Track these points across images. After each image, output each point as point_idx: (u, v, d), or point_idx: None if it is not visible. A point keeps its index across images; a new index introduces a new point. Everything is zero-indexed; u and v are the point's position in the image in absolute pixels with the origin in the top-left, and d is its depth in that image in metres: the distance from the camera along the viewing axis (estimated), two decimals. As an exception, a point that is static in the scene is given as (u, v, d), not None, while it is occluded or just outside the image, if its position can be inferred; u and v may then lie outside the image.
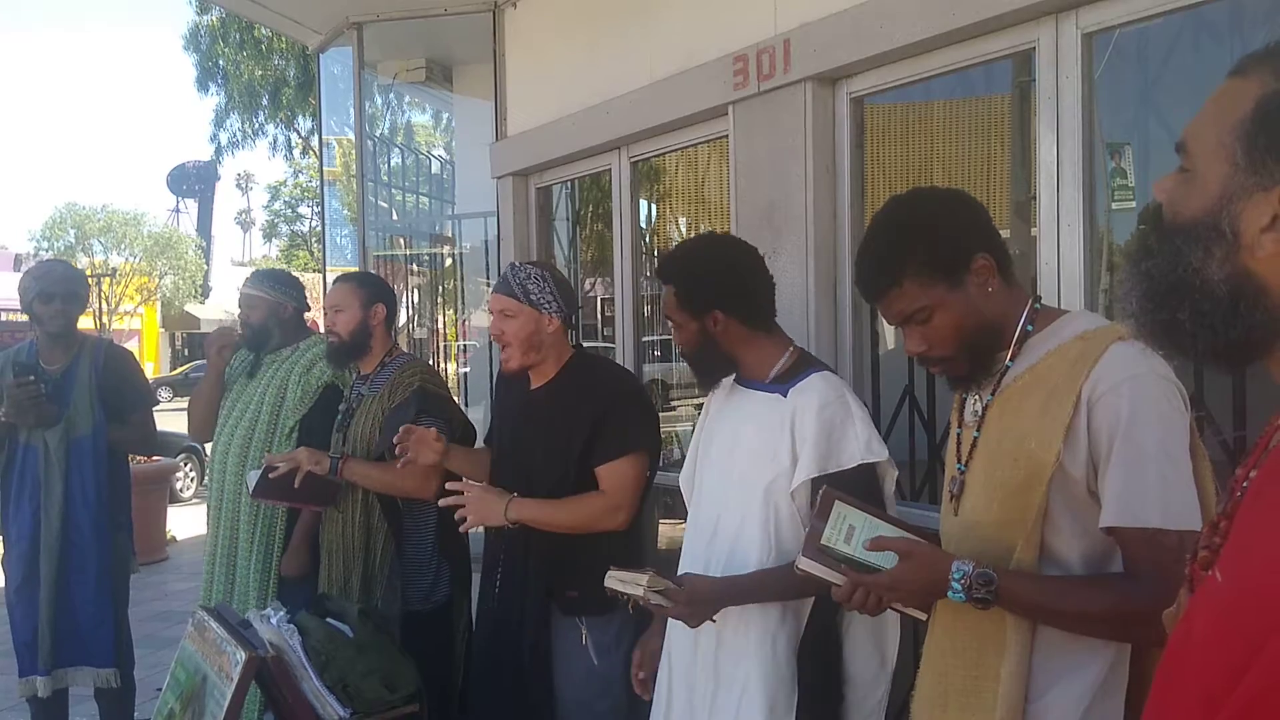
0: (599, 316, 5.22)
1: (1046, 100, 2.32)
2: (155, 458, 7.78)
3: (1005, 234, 3.17)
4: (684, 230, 5.08)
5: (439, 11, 4.51)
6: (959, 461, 1.58)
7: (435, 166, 6.49)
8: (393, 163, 6.01)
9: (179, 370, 33.32)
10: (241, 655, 2.27)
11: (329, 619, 2.66)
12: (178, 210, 40.67)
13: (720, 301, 2.09)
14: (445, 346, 6.21)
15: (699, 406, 2.42)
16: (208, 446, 3.63)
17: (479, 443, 3.10)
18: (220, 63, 21.41)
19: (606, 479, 2.46)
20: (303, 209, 36.86)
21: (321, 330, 3.31)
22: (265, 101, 21.30)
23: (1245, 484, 0.85)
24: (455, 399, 3.66)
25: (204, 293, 34.32)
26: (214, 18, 20.73)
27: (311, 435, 3.18)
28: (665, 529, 4.06)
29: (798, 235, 2.86)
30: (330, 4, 4.81)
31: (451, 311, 6.16)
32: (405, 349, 5.03)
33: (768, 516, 2.00)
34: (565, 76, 3.93)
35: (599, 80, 3.68)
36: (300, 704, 2.38)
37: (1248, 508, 0.83)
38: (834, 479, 1.92)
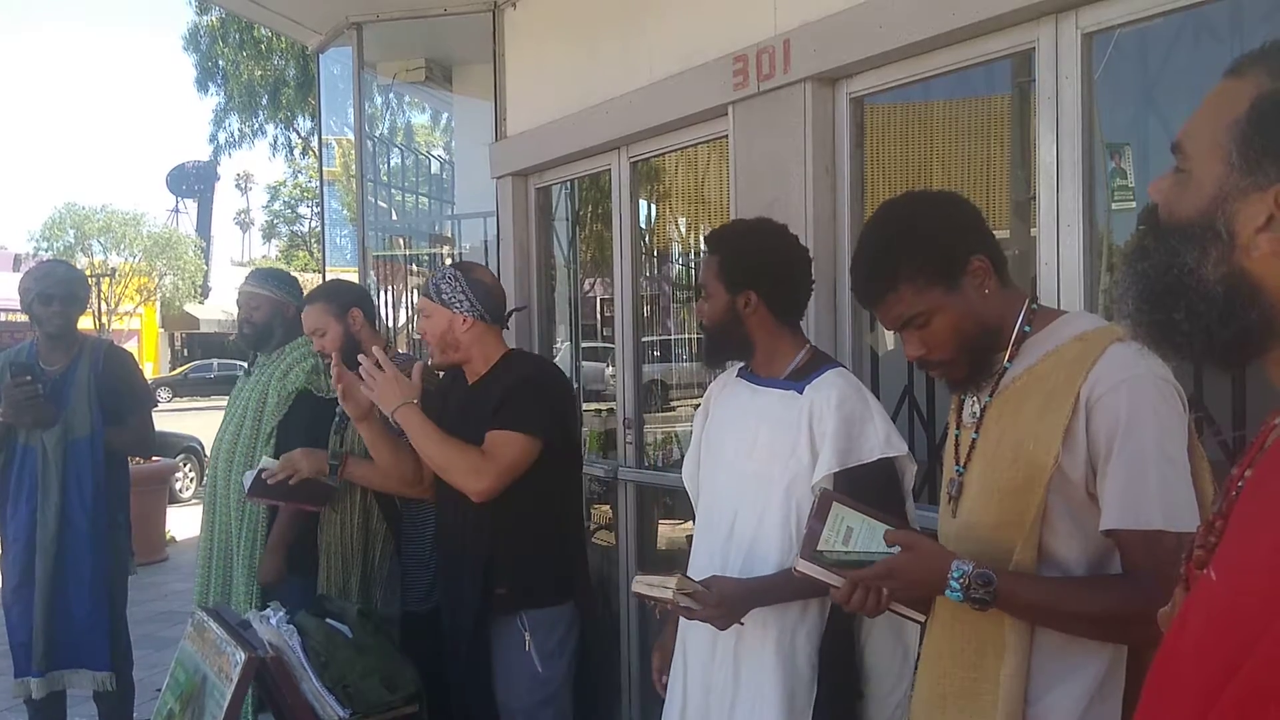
0: (599, 316, 5.22)
1: (1046, 100, 2.32)
2: (154, 458, 7.78)
3: (1005, 234, 3.20)
4: (684, 230, 5.08)
5: (439, 11, 4.51)
6: (957, 463, 1.58)
7: (435, 166, 6.49)
8: (392, 163, 6.00)
9: (178, 370, 33.35)
10: (241, 656, 2.26)
11: (328, 620, 2.66)
12: (177, 210, 40.70)
13: (759, 283, 2.09)
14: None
15: (698, 407, 2.41)
16: (209, 447, 3.62)
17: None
18: (220, 63, 21.43)
19: (489, 441, 2.45)
20: (302, 209, 36.91)
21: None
22: (265, 101, 21.32)
23: (1240, 483, 0.85)
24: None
25: (203, 293, 34.32)
26: (214, 18, 20.75)
27: (286, 441, 3.15)
28: (665, 529, 4.06)
29: (795, 233, 2.85)
30: (330, 4, 4.81)
31: (451, 312, 6.14)
32: (404, 349, 5.01)
33: (788, 514, 1.99)
34: (565, 76, 3.93)
35: (599, 80, 3.68)
36: (300, 704, 2.38)
37: (1243, 507, 0.83)
38: (854, 473, 1.93)
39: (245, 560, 3.26)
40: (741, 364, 2.23)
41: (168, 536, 8.29)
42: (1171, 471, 1.37)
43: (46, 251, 27.75)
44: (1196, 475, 1.40)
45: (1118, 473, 1.38)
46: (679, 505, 2.36)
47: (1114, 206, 2.58)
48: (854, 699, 2.04)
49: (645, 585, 1.97)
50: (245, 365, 3.60)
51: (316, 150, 7.74)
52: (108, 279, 26.29)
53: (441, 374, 2.78)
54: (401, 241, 6.01)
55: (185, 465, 10.58)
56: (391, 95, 6.69)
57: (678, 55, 3.31)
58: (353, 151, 5.46)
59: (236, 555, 3.28)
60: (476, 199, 4.93)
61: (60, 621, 3.52)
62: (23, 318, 4.25)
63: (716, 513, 2.15)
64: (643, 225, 4.09)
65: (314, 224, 32.70)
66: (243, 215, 53.08)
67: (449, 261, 5.93)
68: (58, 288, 3.58)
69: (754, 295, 2.08)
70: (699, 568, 2.10)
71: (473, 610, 2.50)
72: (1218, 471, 1.45)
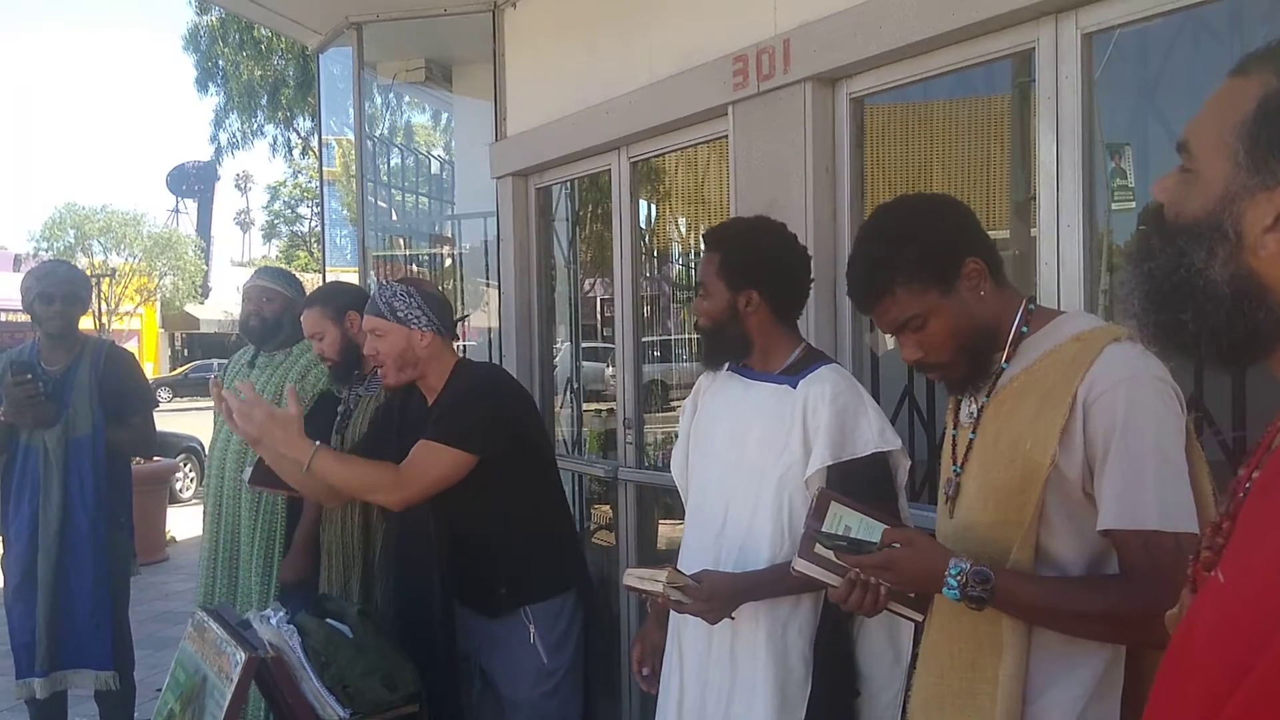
0: (599, 317, 5.22)
1: (1046, 100, 2.32)
2: (155, 458, 7.78)
3: (1005, 234, 3.20)
4: (684, 230, 5.08)
5: (439, 11, 4.51)
6: (955, 463, 1.58)
7: (435, 167, 6.49)
8: (392, 163, 6.01)
9: (178, 370, 33.33)
10: (241, 656, 2.26)
11: (329, 620, 2.66)
12: (177, 210, 40.66)
13: (760, 282, 2.08)
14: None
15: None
16: (209, 447, 3.63)
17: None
18: (220, 63, 21.43)
19: (414, 453, 2.42)
20: (302, 209, 36.91)
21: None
22: (265, 102, 21.31)
23: (1248, 485, 0.84)
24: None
25: (204, 293, 34.30)
26: (214, 18, 20.75)
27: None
28: (665, 529, 4.06)
29: (797, 235, 2.85)
30: (330, 4, 4.81)
31: (451, 312, 6.15)
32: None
33: (780, 507, 1.99)
34: (565, 76, 3.93)
35: (599, 80, 3.68)
36: (300, 705, 2.38)
37: (1251, 508, 0.82)
38: (848, 467, 1.93)
39: (260, 559, 3.27)
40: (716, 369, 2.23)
41: (168, 536, 8.29)
42: (1169, 472, 1.37)
43: (47, 251, 27.74)
44: (1195, 476, 1.40)
45: (1115, 473, 1.38)
46: (679, 505, 2.35)
47: (1114, 206, 2.58)
48: (852, 698, 2.04)
49: (636, 578, 1.97)
50: (240, 360, 3.58)
51: (316, 150, 7.74)
52: (108, 279, 26.26)
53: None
54: (401, 241, 6.01)
55: (185, 465, 10.58)
56: (391, 95, 6.70)
57: (678, 55, 3.31)
58: (353, 151, 5.46)
59: (252, 555, 3.29)
60: (476, 199, 4.93)
61: (63, 621, 3.52)
62: (23, 318, 4.26)
63: (708, 506, 2.15)
64: (643, 225, 4.09)
65: (314, 224, 32.72)
66: (243, 215, 53.09)
67: (449, 261, 5.93)
68: (59, 287, 3.59)
69: (755, 294, 2.07)
70: (690, 561, 2.09)
71: (429, 613, 2.53)
72: (1217, 471, 1.46)
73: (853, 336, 2.85)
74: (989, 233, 1.60)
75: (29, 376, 3.44)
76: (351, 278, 5.42)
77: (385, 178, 5.77)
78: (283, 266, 3.82)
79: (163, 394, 26.63)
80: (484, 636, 2.58)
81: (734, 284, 2.08)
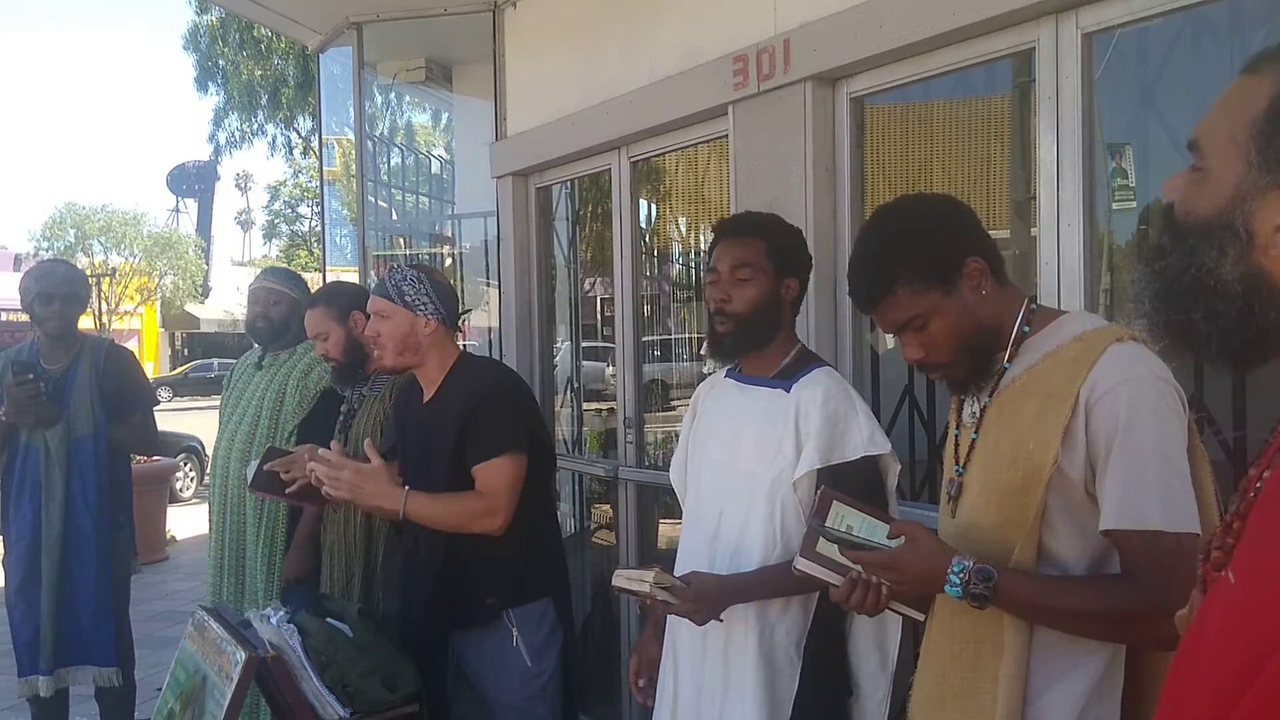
0: (599, 316, 5.22)
1: (1046, 100, 2.32)
2: (155, 457, 7.79)
3: (1005, 234, 3.20)
4: (684, 230, 5.08)
5: (439, 11, 4.51)
6: (957, 463, 1.58)
7: (435, 166, 6.49)
8: (392, 163, 6.00)
9: (179, 370, 33.34)
10: (241, 655, 2.27)
11: (329, 619, 2.66)
12: (177, 210, 40.68)
13: (799, 272, 2.09)
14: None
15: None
16: (209, 446, 3.63)
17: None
18: (220, 63, 21.43)
19: (481, 480, 2.45)
20: (302, 209, 36.88)
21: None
22: (264, 101, 21.31)
23: (1259, 484, 0.84)
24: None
25: (204, 293, 34.32)
26: (214, 18, 20.76)
27: (310, 439, 3.18)
28: (665, 529, 4.06)
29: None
30: (330, 4, 4.81)
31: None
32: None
33: (773, 511, 1.99)
34: (565, 76, 3.93)
35: (599, 80, 3.68)
36: (300, 704, 2.38)
37: (1261, 508, 0.82)
38: (837, 470, 1.92)
39: (264, 558, 3.27)
40: (731, 364, 2.22)
41: (168, 536, 8.30)
42: (1170, 472, 1.37)
43: (47, 251, 27.74)
44: (1197, 476, 1.40)
45: (1117, 473, 1.38)
46: (679, 505, 2.35)
47: (1114, 206, 2.58)
48: (844, 696, 2.04)
49: (624, 579, 1.97)
50: (247, 360, 3.59)
51: (316, 150, 7.74)
52: (108, 279, 26.27)
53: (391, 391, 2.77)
54: (402, 241, 6.01)
55: (185, 465, 10.59)
56: (391, 95, 6.70)
57: (678, 55, 3.31)
58: (353, 151, 5.47)
59: (257, 554, 3.29)
60: (476, 199, 4.93)
61: (67, 619, 3.53)
62: (23, 317, 4.25)
63: (703, 510, 2.15)
64: (643, 225, 4.09)
65: (314, 224, 32.71)
66: (243, 215, 53.09)
67: (449, 261, 5.93)
68: (58, 287, 3.59)
69: (794, 283, 2.08)
70: (686, 565, 2.09)
71: (427, 618, 2.54)
72: (1218, 471, 1.46)
73: (853, 336, 2.85)
74: (989, 233, 1.60)
75: (30, 376, 3.44)
76: (352, 277, 5.42)
77: (385, 177, 5.77)
78: (287, 267, 3.81)
79: (163, 393, 26.60)
80: (465, 640, 2.58)
81: (780, 268, 2.06)
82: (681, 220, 4.99)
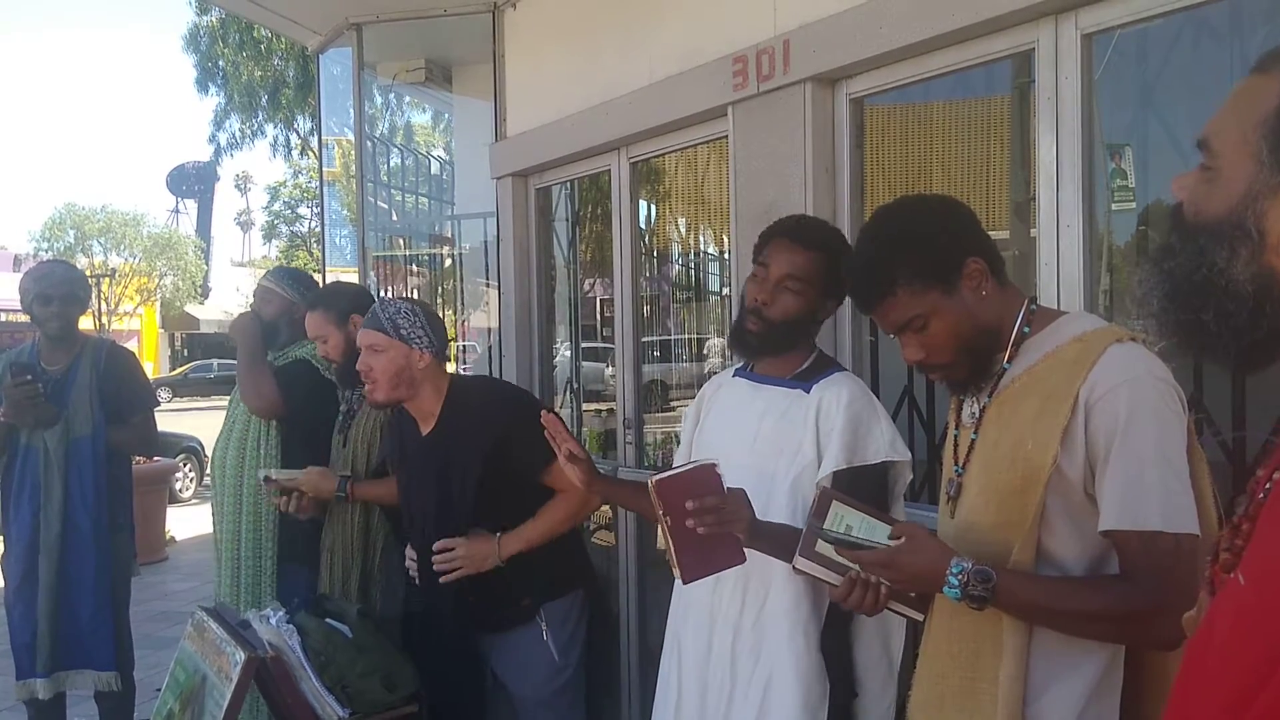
0: (599, 317, 5.22)
1: (1046, 101, 2.32)
2: (155, 458, 7.79)
3: (1005, 235, 3.20)
4: (683, 230, 5.08)
5: (439, 12, 4.51)
6: (956, 464, 1.58)
7: (435, 167, 6.49)
8: (392, 163, 6.01)
9: (178, 371, 33.36)
10: (241, 655, 2.27)
11: (328, 620, 2.66)
12: (177, 211, 40.73)
13: (842, 295, 2.07)
14: (445, 347, 6.20)
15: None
16: (208, 447, 3.64)
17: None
18: (220, 63, 21.41)
19: (558, 483, 2.47)
20: (302, 210, 36.86)
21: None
22: (265, 102, 21.30)
23: (1268, 485, 0.83)
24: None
25: (203, 293, 34.34)
26: (214, 18, 20.74)
27: (288, 404, 3.22)
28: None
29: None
30: (330, 4, 4.81)
31: (451, 312, 6.16)
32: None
33: (794, 510, 1.98)
34: (565, 77, 3.93)
35: (598, 81, 3.68)
36: (299, 704, 2.38)
37: (1272, 509, 0.81)
38: (858, 473, 1.92)
39: (250, 553, 3.27)
40: (739, 364, 2.22)
41: (168, 536, 8.29)
42: (1170, 473, 1.37)
43: (46, 252, 27.76)
44: (1196, 477, 1.40)
45: (1116, 474, 1.38)
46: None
47: (1114, 207, 2.58)
48: (850, 697, 2.04)
49: (669, 471, 1.82)
50: None
51: (316, 151, 7.74)
52: (108, 279, 26.29)
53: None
54: (401, 242, 6.01)
55: (185, 465, 10.58)
56: (391, 96, 6.70)
57: (677, 56, 3.31)
58: (353, 152, 5.46)
59: (247, 551, 3.29)
60: (476, 199, 4.93)
61: (65, 622, 3.52)
62: (24, 318, 4.25)
63: None
64: (643, 225, 4.09)
65: (314, 224, 32.70)
66: (243, 215, 53.09)
67: (449, 262, 5.93)
68: (57, 288, 3.58)
69: (833, 305, 2.10)
70: None
71: (453, 620, 2.56)
72: (1216, 472, 1.46)
73: (852, 336, 2.85)
74: (989, 233, 1.60)
75: (29, 377, 3.44)
76: (351, 278, 5.42)
77: (385, 178, 5.77)
78: (295, 268, 3.81)
79: (163, 394, 26.62)
80: (494, 635, 2.60)
81: (828, 289, 2.05)
82: (681, 221, 4.99)
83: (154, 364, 32.00)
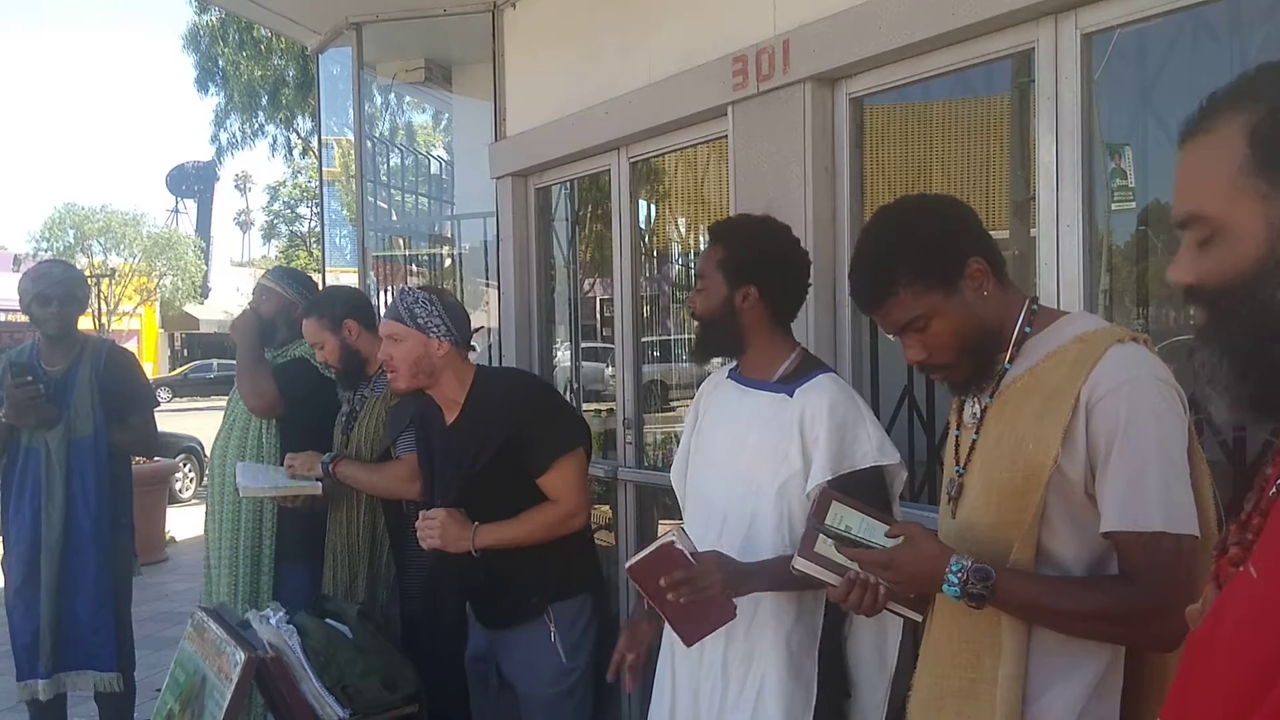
0: (598, 317, 5.22)
1: (1046, 101, 2.32)
2: (155, 458, 7.78)
3: (1005, 235, 3.20)
4: (683, 230, 5.08)
5: (438, 12, 4.51)
6: (957, 463, 1.58)
7: (434, 167, 6.49)
8: (392, 163, 6.00)
9: (178, 371, 33.36)
10: (241, 656, 2.27)
11: (328, 620, 2.66)
12: (177, 211, 40.76)
13: (760, 279, 2.06)
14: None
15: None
16: (208, 447, 3.63)
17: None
18: (220, 63, 21.41)
19: (552, 489, 2.49)
20: (302, 209, 36.87)
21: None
22: (265, 102, 21.30)
23: (1279, 482, 0.84)
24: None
25: (203, 293, 34.34)
26: (213, 18, 20.73)
27: (287, 400, 3.22)
28: (665, 529, 4.06)
29: (797, 235, 2.85)
30: (330, 4, 4.81)
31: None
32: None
33: (781, 517, 1.99)
34: (564, 77, 3.93)
35: (598, 81, 3.68)
36: (299, 705, 2.38)
37: None
38: (846, 480, 1.91)
39: (249, 554, 3.27)
40: (732, 365, 2.22)
41: (167, 537, 8.29)
42: (1172, 473, 1.37)
43: (46, 251, 27.77)
44: (1196, 478, 1.40)
45: (1118, 474, 1.38)
46: (679, 505, 2.35)
47: (1114, 207, 2.58)
48: (842, 698, 2.04)
49: (639, 554, 1.90)
50: None
51: (316, 150, 7.74)
52: (107, 279, 26.28)
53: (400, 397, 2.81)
54: (401, 242, 6.01)
55: (185, 465, 10.58)
56: (391, 95, 6.70)
57: (677, 55, 3.31)
58: (352, 152, 5.46)
59: (244, 551, 3.29)
60: (476, 199, 4.93)
61: (67, 622, 3.51)
62: (22, 318, 4.25)
63: (704, 514, 2.15)
64: (642, 225, 4.09)
65: (314, 224, 32.71)
66: (243, 215, 53.11)
67: (449, 262, 5.93)
68: (55, 289, 3.58)
69: (754, 291, 2.06)
70: None
71: (454, 624, 2.58)
72: (1217, 473, 1.46)
73: (852, 337, 2.85)
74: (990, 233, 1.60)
75: (29, 378, 3.44)
76: (351, 278, 5.42)
77: (385, 178, 5.77)
78: (296, 269, 3.82)
79: (162, 394, 26.62)
80: (503, 635, 2.60)
81: (733, 278, 2.06)
82: (681, 221, 4.99)
83: (153, 364, 32.00)
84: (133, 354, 4.00)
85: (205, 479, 3.72)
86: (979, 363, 1.53)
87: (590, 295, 5.05)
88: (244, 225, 53.13)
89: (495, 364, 4.54)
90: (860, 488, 1.90)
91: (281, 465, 3.12)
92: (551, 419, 2.55)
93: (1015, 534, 1.44)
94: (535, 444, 2.47)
